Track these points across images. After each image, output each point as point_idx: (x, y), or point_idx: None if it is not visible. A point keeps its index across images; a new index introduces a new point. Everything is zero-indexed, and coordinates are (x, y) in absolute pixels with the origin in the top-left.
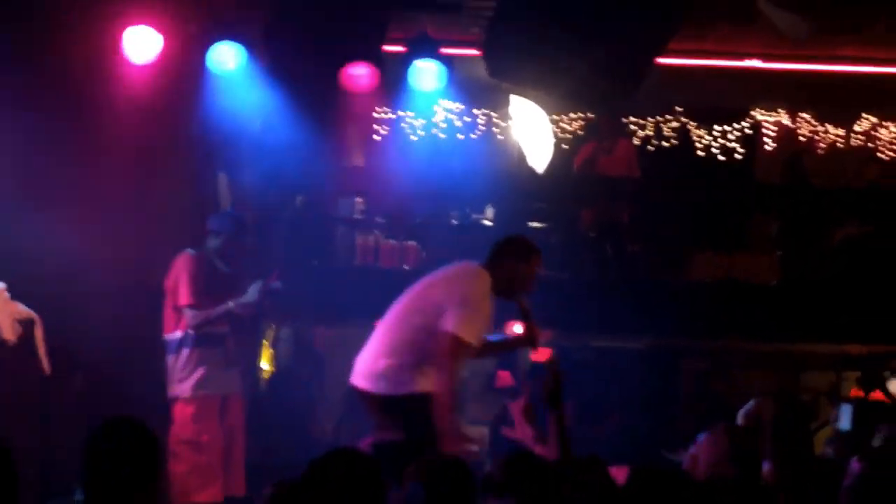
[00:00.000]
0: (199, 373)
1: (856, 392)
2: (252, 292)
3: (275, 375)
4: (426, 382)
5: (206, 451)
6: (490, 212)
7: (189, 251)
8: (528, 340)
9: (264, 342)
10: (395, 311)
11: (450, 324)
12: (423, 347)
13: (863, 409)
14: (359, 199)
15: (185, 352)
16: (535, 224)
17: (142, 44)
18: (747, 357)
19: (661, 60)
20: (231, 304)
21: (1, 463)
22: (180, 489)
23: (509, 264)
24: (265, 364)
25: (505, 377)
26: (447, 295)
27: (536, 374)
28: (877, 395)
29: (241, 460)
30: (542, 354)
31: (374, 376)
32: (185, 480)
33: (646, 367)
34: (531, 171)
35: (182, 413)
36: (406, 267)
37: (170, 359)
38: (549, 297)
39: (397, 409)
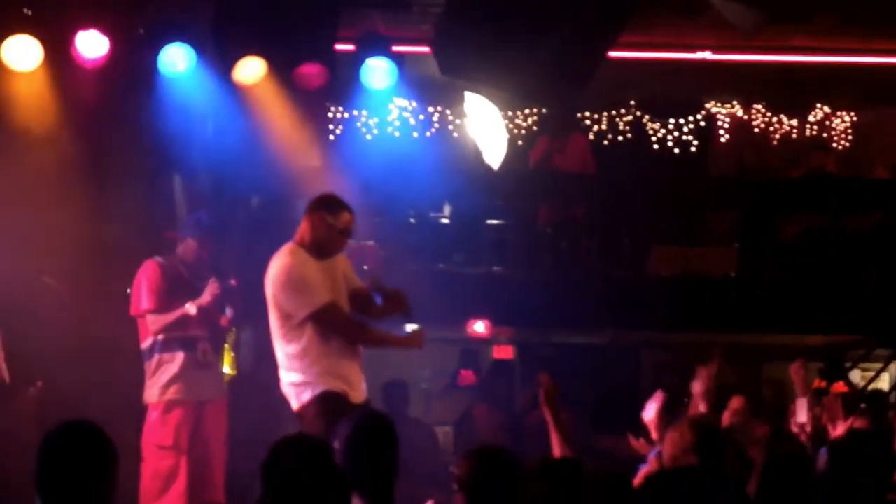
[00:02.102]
0: (167, 377)
1: (818, 383)
2: (205, 293)
3: (237, 379)
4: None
5: (171, 454)
6: (447, 209)
7: (155, 259)
8: (398, 308)
9: (226, 346)
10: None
11: (299, 312)
12: (300, 351)
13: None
14: None
15: (156, 357)
16: (492, 221)
17: (91, 47)
18: (707, 350)
19: (613, 54)
20: (188, 306)
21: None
22: (144, 492)
23: (317, 220)
24: (227, 368)
25: (468, 376)
26: (278, 295)
27: (498, 372)
28: (839, 385)
29: (219, 468)
30: (505, 352)
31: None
32: (149, 484)
33: (606, 361)
34: (487, 168)
35: (151, 417)
36: (365, 267)
37: (145, 366)
38: (509, 293)
39: None
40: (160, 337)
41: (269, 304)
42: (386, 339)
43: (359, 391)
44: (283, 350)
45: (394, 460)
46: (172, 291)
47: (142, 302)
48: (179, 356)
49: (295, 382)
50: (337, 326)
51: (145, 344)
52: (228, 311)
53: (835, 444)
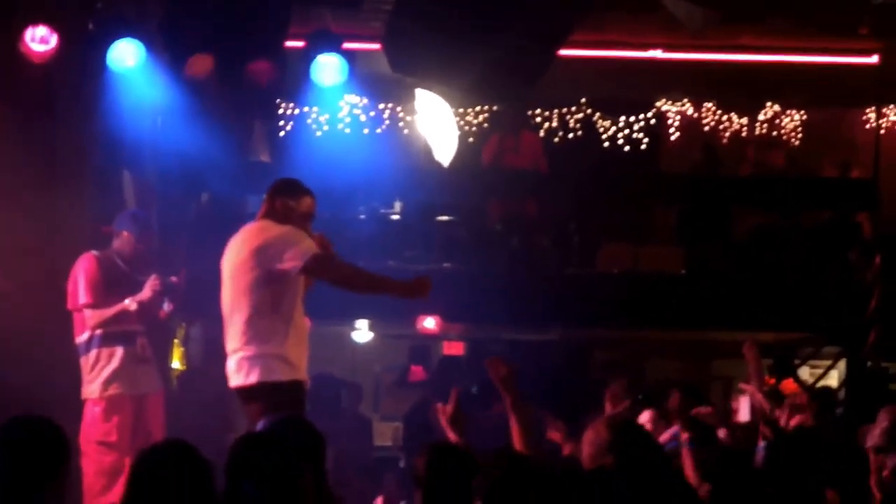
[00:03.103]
0: (108, 372)
1: (768, 380)
2: (145, 288)
3: (186, 374)
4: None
5: (115, 450)
6: (398, 206)
7: (91, 252)
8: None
9: (175, 341)
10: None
11: (296, 258)
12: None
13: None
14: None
15: (94, 352)
16: (442, 217)
17: (39, 42)
18: (657, 346)
19: (564, 53)
20: (128, 301)
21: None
22: (89, 490)
23: (280, 201)
24: (176, 363)
25: (418, 372)
26: (262, 256)
27: (448, 368)
28: (788, 382)
29: None
30: (455, 348)
31: None
32: (94, 481)
33: (556, 358)
34: (437, 165)
35: (91, 413)
36: None
37: (81, 361)
38: (459, 290)
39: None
40: (98, 331)
41: (239, 281)
42: (384, 284)
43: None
44: (256, 322)
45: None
46: (110, 285)
47: (79, 296)
48: (119, 350)
49: (269, 354)
50: (338, 271)
51: (81, 338)
52: (167, 306)
53: (772, 441)
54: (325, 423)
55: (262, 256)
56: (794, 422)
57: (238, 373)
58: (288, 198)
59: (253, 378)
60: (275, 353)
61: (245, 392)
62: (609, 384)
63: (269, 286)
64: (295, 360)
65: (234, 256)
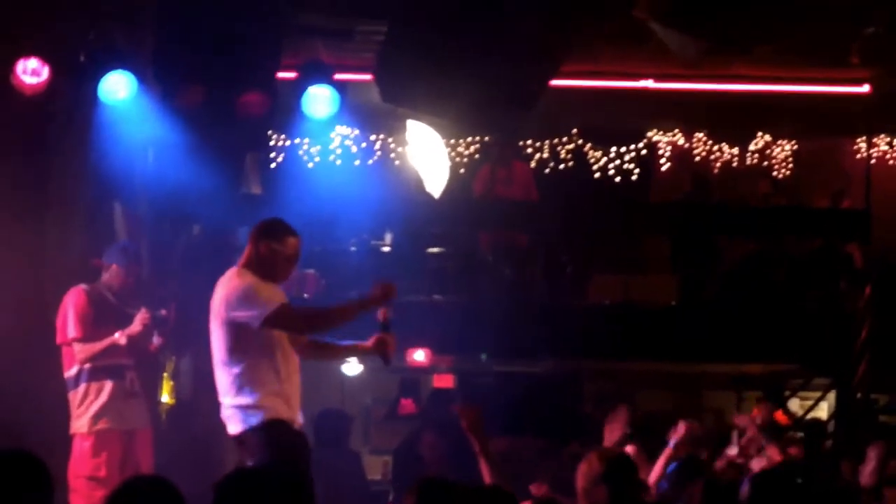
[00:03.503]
0: (97, 407)
1: (756, 412)
2: (135, 322)
3: (176, 408)
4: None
5: (104, 486)
6: (388, 237)
7: (81, 285)
8: (380, 352)
9: (164, 374)
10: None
11: (253, 314)
12: (249, 373)
13: None
14: None
15: (83, 387)
16: (433, 249)
17: (31, 74)
18: (648, 377)
19: (555, 83)
20: (117, 335)
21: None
22: None
23: (263, 248)
24: (166, 396)
25: (408, 405)
26: (225, 307)
27: (438, 401)
28: (778, 414)
29: None
30: (445, 381)
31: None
32: None
33: (548, 390)
34: (428, 197)
35: (80, 448)
36: (306, 295)
37: (70, 395)
38: (449, 322)
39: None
40: (87, 366)
41: (215, 328)
42: (348, 309)
43: (298, 416)
44: (230, 372)
45: None
46: (99, 319)
47: (68, 330)
48: (108, 385)
49: (240, 405)
50: (298, 321)
51: (70, 373)
52: (156, 339)
53: (757, 475)
54: (330, 457)
55: (226, 308)
56: (770, 456)
57: (226, 422)
58: (272, 241)
59: (234, 429)
60: (247, 403)
61: (235, 440)
62: (607, 414)
63: (236, 336)
64: (271, 404)
65: (212, 304)
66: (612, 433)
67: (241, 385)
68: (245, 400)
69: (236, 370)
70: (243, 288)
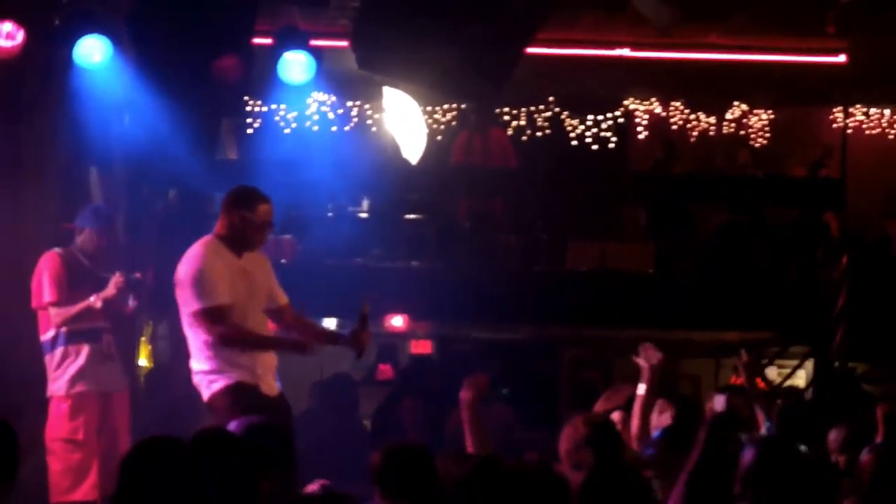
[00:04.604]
0: (73, 370)
1: (735, 379)
2: (110, 286)
3: (153, 372)
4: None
5: (81, 449)
6: (365, 204)
7: (55, 249)
8: (354, 345)
9: (142, 339)
10: None
11: (192, 304)
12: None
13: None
14: None
15: (59, 350)
16: (410, 216)
17: (6, 37)
18: (625, 344)
19: (532, 50)
20: (92, 298)
21: None
22: (55, 487)
23: (235, 218)
24: (144, 360)
25: (386, 370)
26: (180, 284)
27: (418, 367)
28: (756, 382)
29: None
30: (423, 347)
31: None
32: (60, 479)
33: (525, 356)
34: (405, 163)
35: (57, 411)
36: (283, 261)
37: (46, 359)
38: (427, 288)
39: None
40: (63, 329)
41: (179, 294)
42: (270, 344)
43: (269, 384)
44: (195, 338)
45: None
46: (74, 282)
47: (44, 294)
48: (84, 348)
49: (205, 371)
50: (213, 332)
51: (46, 336)
52: (132, 302)
53: (761, 441)
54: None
55: (179, 283)
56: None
57: (198, 388)
58: (243, 209)
59: (204, 395)
60: (209, 368)
61: (207, 407)
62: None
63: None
64: (233, 370)
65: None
66: (607, 403)
67: (205, 351)
68: (208, 365)
69: (198, 335)
70: (197, 269)
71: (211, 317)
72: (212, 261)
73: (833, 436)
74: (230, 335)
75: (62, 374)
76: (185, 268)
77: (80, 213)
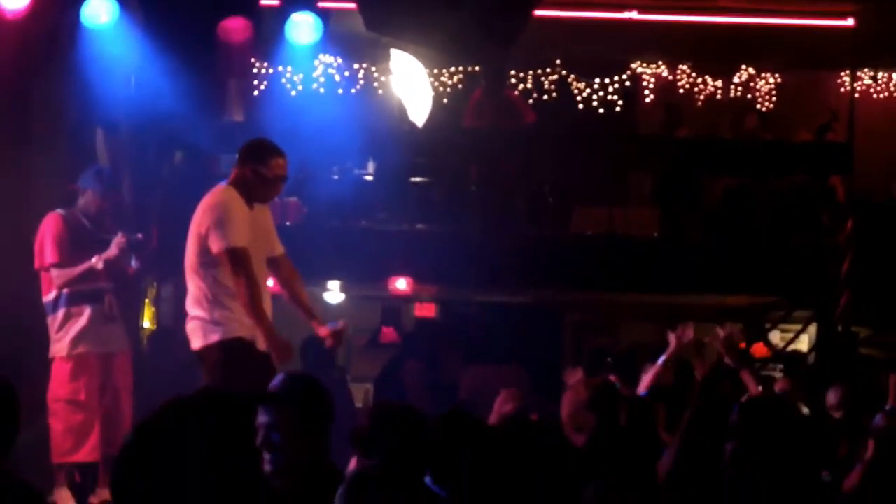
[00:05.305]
0: (76, 331)
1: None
2: (112, 246)
3: (156, 334)
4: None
5: (83, 409)
6: (371, 166)
7: (58, 210)
8: (327, 337)
9: (146, 300)
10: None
11: (217, 243)
12: (214, 287)
13: None
14: None
15: (62, 311)
16: (416, 179)
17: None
18: (631, 309)
19: (539, 13)
20: (94, 259)
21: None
22: (57, 448)
23: (250, 168)
24: (147, 322)
25: (389, 333)
26: (203, 225)
27: (422, 330)
28: (759, 346)
29: (125, 421)
30: (427, 310)
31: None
32: (62, 439)
33: (528, 320)
34: (412, 126)
35: (59, 371)
36: (288, 223)
37: (48, 320)
38: (431, 251)
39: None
40: (65, 291)
41: (191, 237)
42: (261, 324)
43: (262, 341)
44: (197, 284)
45: None
46: (76, 244)
47: (46, 255)
48: (87, 309)
49: (205, 318)
50: (240, 274)
51: (48, 297)
52: (134, 263)
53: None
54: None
55: (200, 221)
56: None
57: (189, 336)
58: (257, 163)
59: (196, 343)
60: (209, 316)
61: (196, 356)
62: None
63: (207, 253)
64: (234, 321)
65: (193, 218)
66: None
67: (207, 298)
68: (208, 313)
69: (205, 282)
70: (221, 209)
71: (237, 257)
72: (235, 205)
73: (831, 395)
74: (249, 290)
75: (64, 335)
76: (210, 208)
77: (82, 175)
